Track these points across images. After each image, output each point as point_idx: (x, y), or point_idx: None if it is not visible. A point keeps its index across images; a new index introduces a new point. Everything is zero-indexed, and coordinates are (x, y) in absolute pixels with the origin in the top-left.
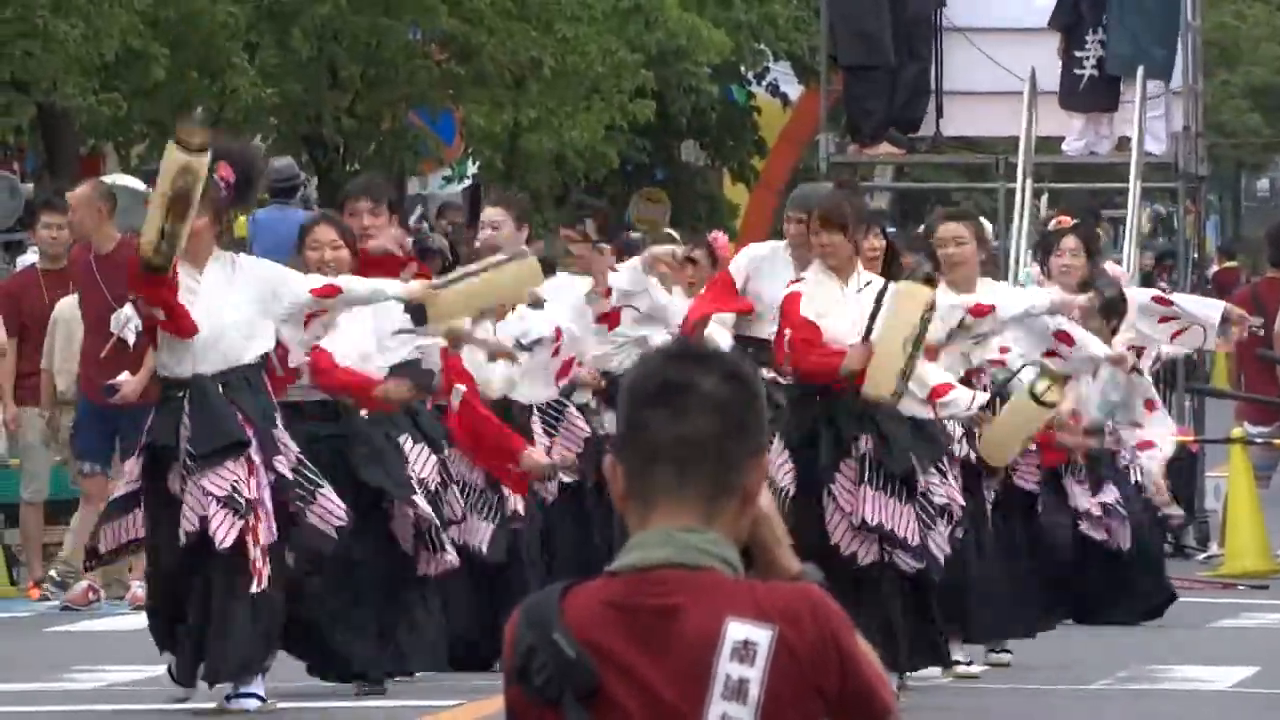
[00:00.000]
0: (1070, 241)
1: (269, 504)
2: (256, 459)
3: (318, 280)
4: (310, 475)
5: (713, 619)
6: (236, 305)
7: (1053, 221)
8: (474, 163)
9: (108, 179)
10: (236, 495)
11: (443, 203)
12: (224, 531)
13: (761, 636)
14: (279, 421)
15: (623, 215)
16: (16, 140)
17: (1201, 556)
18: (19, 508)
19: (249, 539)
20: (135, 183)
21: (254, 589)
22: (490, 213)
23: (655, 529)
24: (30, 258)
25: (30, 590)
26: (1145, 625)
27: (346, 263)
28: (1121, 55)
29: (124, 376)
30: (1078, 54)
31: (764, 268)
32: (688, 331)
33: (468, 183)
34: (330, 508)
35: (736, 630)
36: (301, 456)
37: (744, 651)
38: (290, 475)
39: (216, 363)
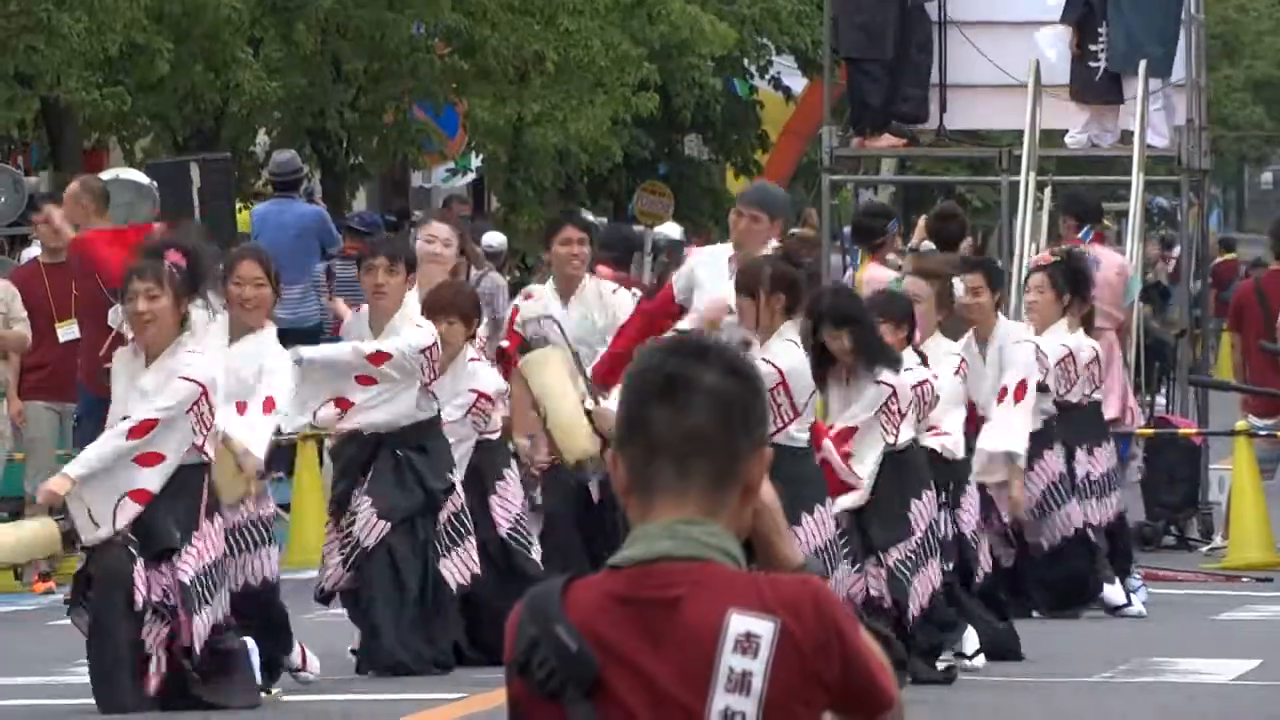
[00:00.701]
0: (1036, 279)
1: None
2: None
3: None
4: (212, 583)
5: (715, 611)
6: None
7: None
8: (478, 156)
9: (109, 173)
10: (165, 602)
11: (448, 195)
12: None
13: (764, 628)
14: (198, 523)
15: (626, 209)
16: (20, 134)
17: (1205, 549)
18: (24, 502)
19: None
20: (139, 176)
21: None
22: (438, 229)
23: (657, 522)
24: (34, 251)
25: (35, 584)
26: (1148, 618)
27: (268, 300)
28: (1120, 51)
29: None
30: (1091, 47)
31: (701, 274)
32: (601, 370)
33: (472, 176)
34: (202, 623)
35: (739, 622)
36: (218, 560)
37: (746, 644)
38: (188, 581)
39: None
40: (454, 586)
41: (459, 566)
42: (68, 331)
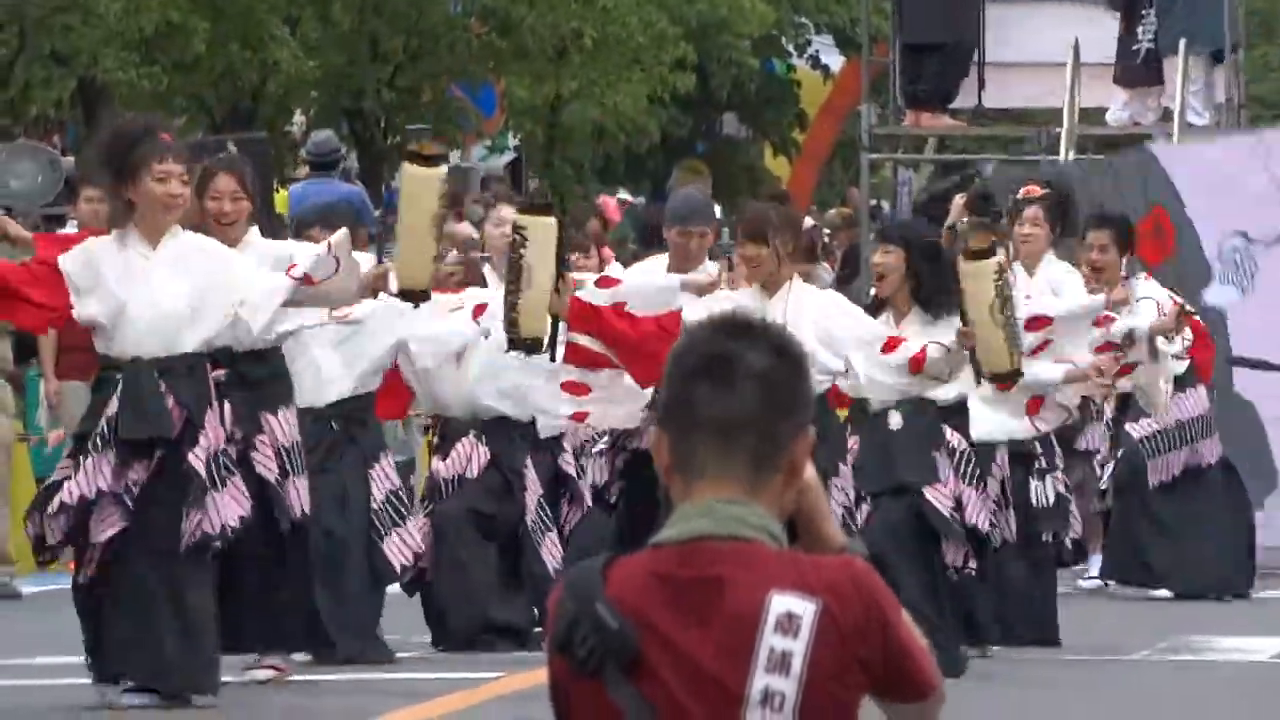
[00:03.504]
0: (1031, 211)
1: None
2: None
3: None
4: (226, 464)
5: (756, 591)
6: (180, 291)
7: (1021, 190)
8: (515, 135)
9: None
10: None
11: (484, 175)
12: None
13: (805, 609)
14: (211, 408)
15: (664, 188)
16: (57, 114)
17: None
18: None
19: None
20: None
21: None
22: (508, 213)
23: (699, 501)
24: (70, 232)
25: (70, 564)
26: (1186, 598)
27: (245, 213)
28: (1166, 29)
29: None
30: (1136, 30)
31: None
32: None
33: (510, 155)
34: (228, 504)
35: (780, 603)
36: (224, 447)
37: (787, 624)
38: (201, 469)
39: (154, 348)
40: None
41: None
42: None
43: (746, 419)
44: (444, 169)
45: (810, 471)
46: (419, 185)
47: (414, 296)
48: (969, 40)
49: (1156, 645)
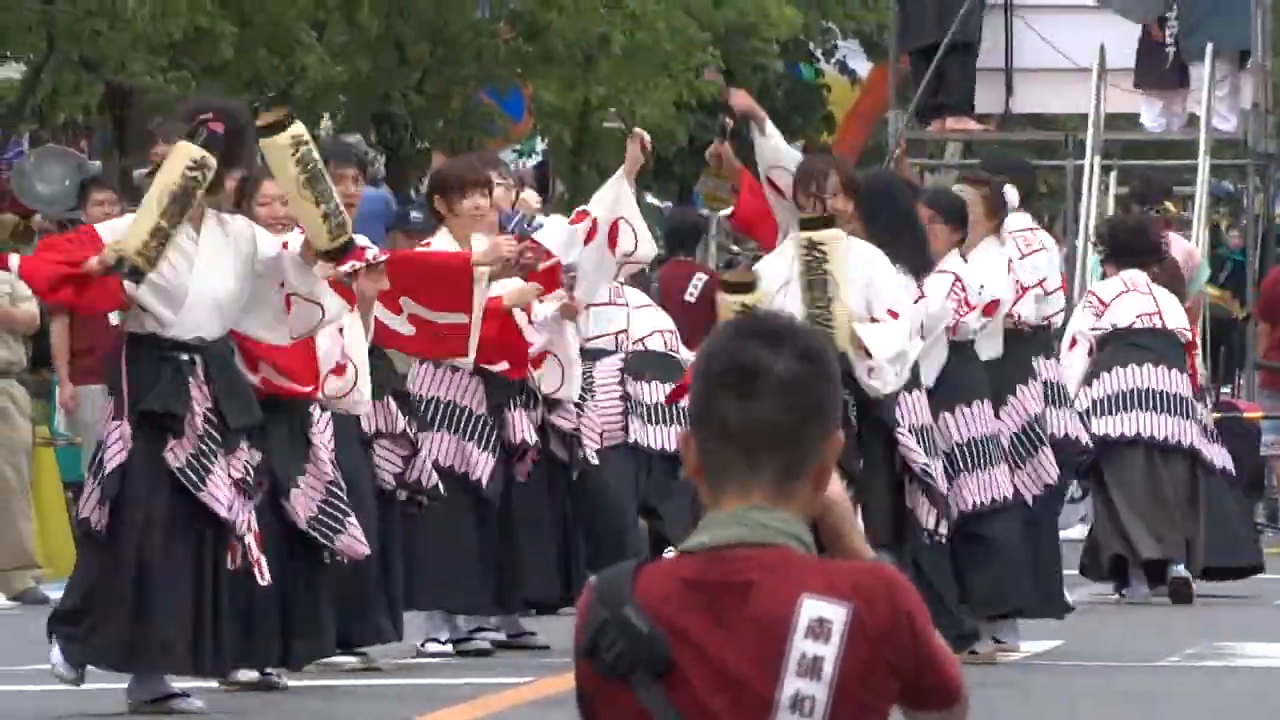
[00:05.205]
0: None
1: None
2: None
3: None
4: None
5: (786, 596)
6: (230, 272)
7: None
8: (543, 140)
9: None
10: (248, 479)
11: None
12: (243, 517)
13: (836, 614)
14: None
15: (692, 193)
16: (85, 120)
17: (1271, 533)
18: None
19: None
20: None
21: (261, 583)
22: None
23: (728, 508)
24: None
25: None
26: (1213, 602)
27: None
28: (1189, 35)
29: None
30: (1163, 34)
31: None
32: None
33: (538, 159)
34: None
35: (811, 608)
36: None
37: (819, 629)
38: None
39: (217, 330)
40: None
41: None
42: (117, 315)
43: (773, 428)
44: (289, 131)
45: (836, 486)
46: (274, 154)
47: (330, 256)
48: (972, 43)
49: (1184, 651)
